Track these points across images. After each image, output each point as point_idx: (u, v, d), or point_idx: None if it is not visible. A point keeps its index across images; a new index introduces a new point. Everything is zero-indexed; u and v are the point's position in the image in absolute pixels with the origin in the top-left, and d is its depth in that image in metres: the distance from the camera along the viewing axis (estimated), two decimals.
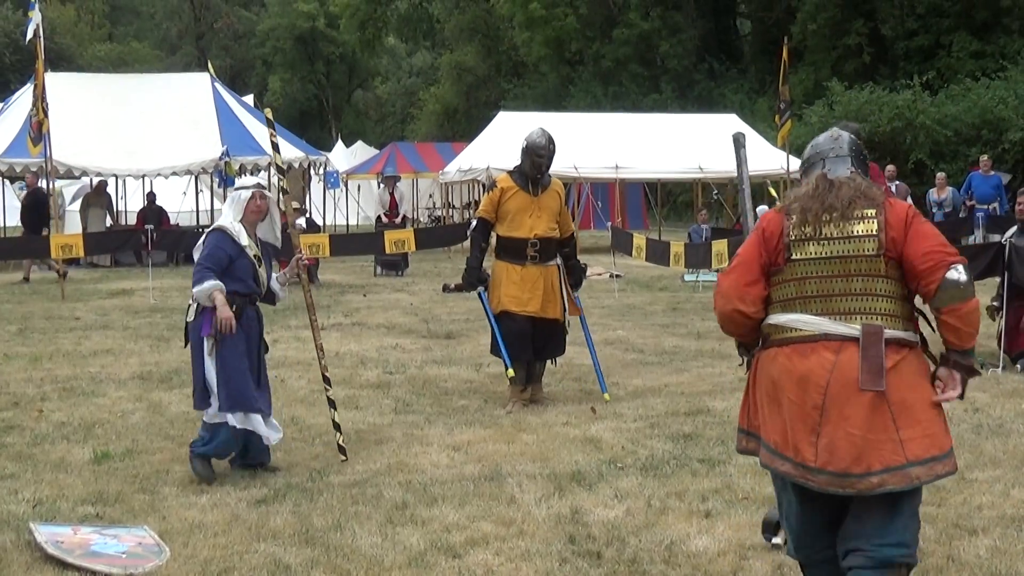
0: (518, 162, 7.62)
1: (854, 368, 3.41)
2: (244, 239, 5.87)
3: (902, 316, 3.51)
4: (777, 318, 3.57)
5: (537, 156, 7.48)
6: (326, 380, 6.31)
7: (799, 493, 3.57)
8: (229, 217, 5.99)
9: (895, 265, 3.48)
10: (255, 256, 5.89)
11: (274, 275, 6.21)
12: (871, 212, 3.49)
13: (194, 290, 5.77)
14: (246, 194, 5.98)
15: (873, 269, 3.47)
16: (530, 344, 7.55)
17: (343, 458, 6.01)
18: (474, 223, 7.81)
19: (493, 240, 7.78)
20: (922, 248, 3.44)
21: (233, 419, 5.75)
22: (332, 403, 6.29)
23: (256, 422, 5.82)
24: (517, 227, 7.51)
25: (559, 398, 7.84)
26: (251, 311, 6.04)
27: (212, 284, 5.71)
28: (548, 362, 7.86)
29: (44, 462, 6.14)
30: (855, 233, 3.48)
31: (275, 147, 6.46)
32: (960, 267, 3.41)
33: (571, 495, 5.42)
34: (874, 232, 3.46)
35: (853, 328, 3.44)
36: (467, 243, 20.72)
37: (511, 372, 7.47)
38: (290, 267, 6.29)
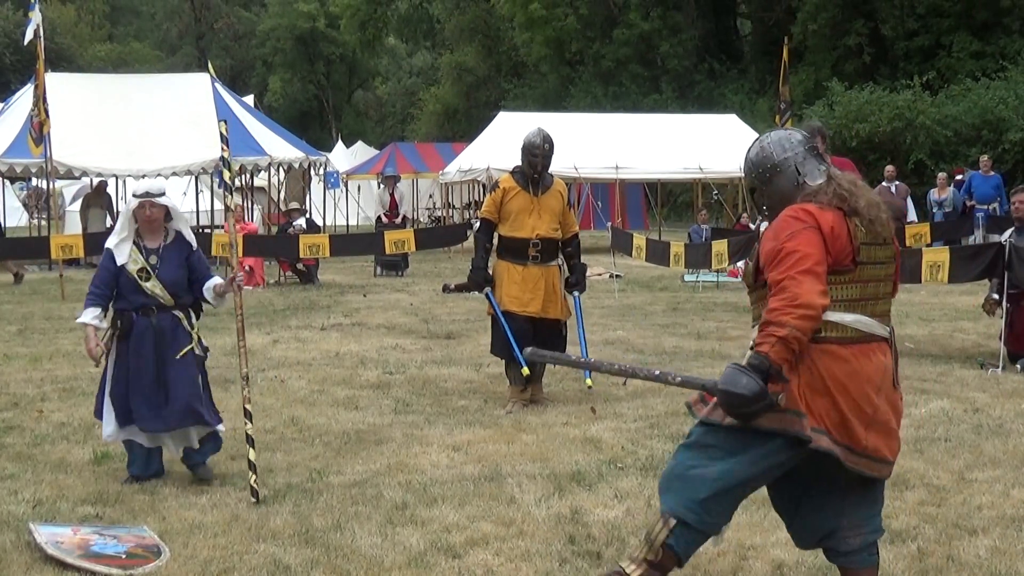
0: (519, 163, 7.64)
1: (891, 368, 3.73)
2: (122, 257, 5.70)
3: None
4: (841, 317, 3.61)
5: (532, 156, 7.49)
6: (247, 415, 5.54)
7: (777, 459, 3.63)
8: (115, 235, 5.82)
9: None
10: (139, 270, 5.70)
11: (212, 282, 5.93)
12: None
13: (79, 317, 5.78)
14: (133, 204, 5.76)
15: (891, 273, 3.79)
16: (531, 344, 7.55)
17: (254, 500, 5.33)
18: (477, 224, 7.82)
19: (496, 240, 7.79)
20: None
21: (108, 432, 5.76)
22: (250, 440, 5.48)
23: (134, 431, 5.75)
24: (519, 227, 7.51)
25: (559, 398, 7.84)
26: (143, 322, 5.73)
27: (85, 319, 5.72)
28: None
29: (44, 462, 6.14)
30: (889, 239, 3.76)
31: (226, 164, 6.05)
32: None
33: (571, 495, 5.42)
34: (890, 237, 3.76)
35: (886, 329, 3.74)
36: (468, 243, 20.76)
37: (526, 371, 7.45)
38: (224, 284, 5.93)
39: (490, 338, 7.89)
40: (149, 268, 5.74)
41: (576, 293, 7.85)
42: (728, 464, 3.66)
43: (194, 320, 5.98)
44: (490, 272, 7.73)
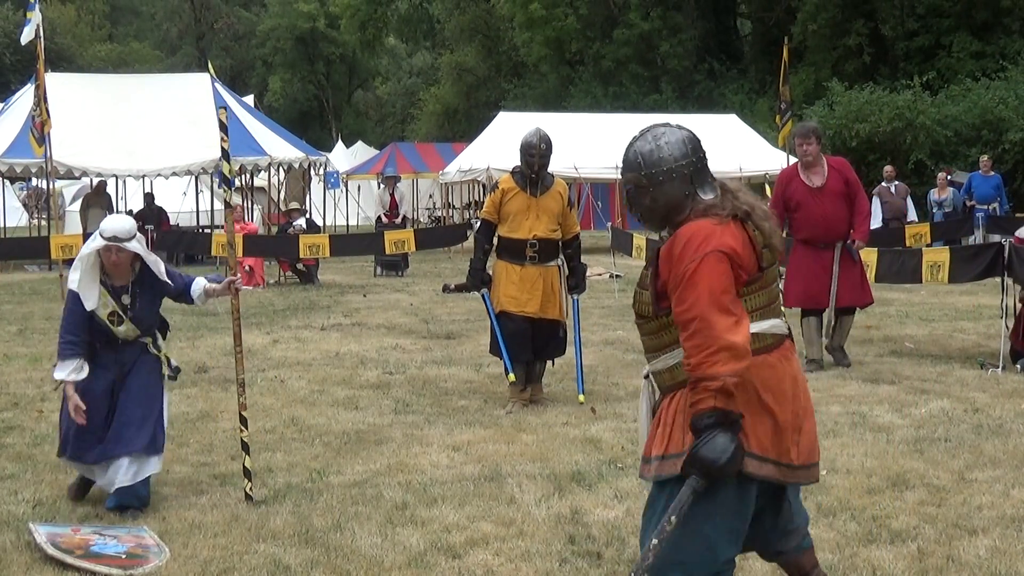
0: (519, 163, 7.64)
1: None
2: (90, 302, 5.20)
3: None
4: (760, 326, 3.41)
5: (529, 156, 7.47)
6: (243, 421, 5.47)
7: (748, 498, 3.43)
8: (76, 271, 5.27)
9: None
10: (110, 314, 5.26)
11: (201, 284, 5.66)
12: None
13: (54, 372, 5.28)
14: (98, 244, 5.18)
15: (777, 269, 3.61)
16: (529, 344, 7.55)
17: (251, 500, 5.33)
18: (478, 224, 7.82)
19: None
20: None
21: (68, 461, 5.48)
22: (245, 447, 5.42)
23: (79, 467, 5.44)
24: (517, 228, 7.51)
25: (559, 398, 7.84)
26: (108, 356, 5.37)
27: (63, 375, 5.18)
28: (548, 362, 7.86)
29: (44, 462, 6.14)
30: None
31: (226, 156, 5.80)
32: None
33: (571, 495, 5.42)
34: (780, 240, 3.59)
35: (784, 327, 3.54)
36: (468, 243, 20.72)
37: (512, 377, 7.47)
38: (220, 287, 5.68)
39: (490, 338, 7.88)
40: (120, 312, 5.29)
41: (576, 295, 7.84)
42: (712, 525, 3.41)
43: (161, 342, 5.65)
44: (489, 273, 7.73)
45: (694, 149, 3.47)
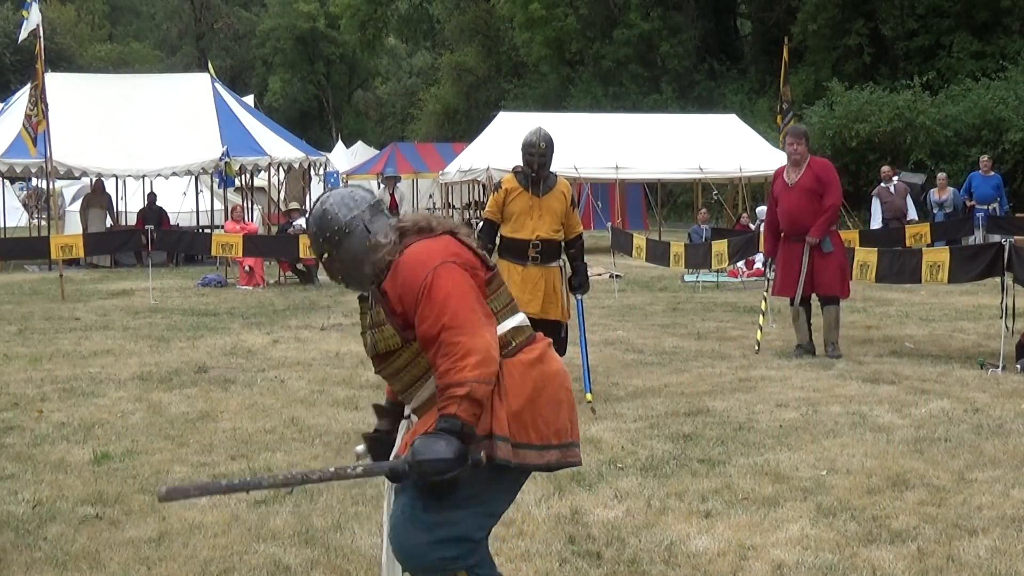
0: (521, 163, 7.63)
1: None
2: None
3: None
4: (511, 323, 3.45)
5: (529, 155, 7.46)
6: None
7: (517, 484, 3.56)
8: None
9: None
10: None
11: None
12: None
13: None
14: None
15: None
16: None
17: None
18: (480, 224, 7.80)
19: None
20: None
21: None
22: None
23: None
24: (519, 228, 7.49)
25: None
26: None
27: None
28: None
29: (44, 462, 6.14)
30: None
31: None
32: None
33: (571, 495, 5.42)
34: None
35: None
36: None
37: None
38: None
39: None
40: None
41: (579, 295, 7.81)
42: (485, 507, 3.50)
43: None
44: None
45: (360, 200, 3.45)
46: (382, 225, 3.40)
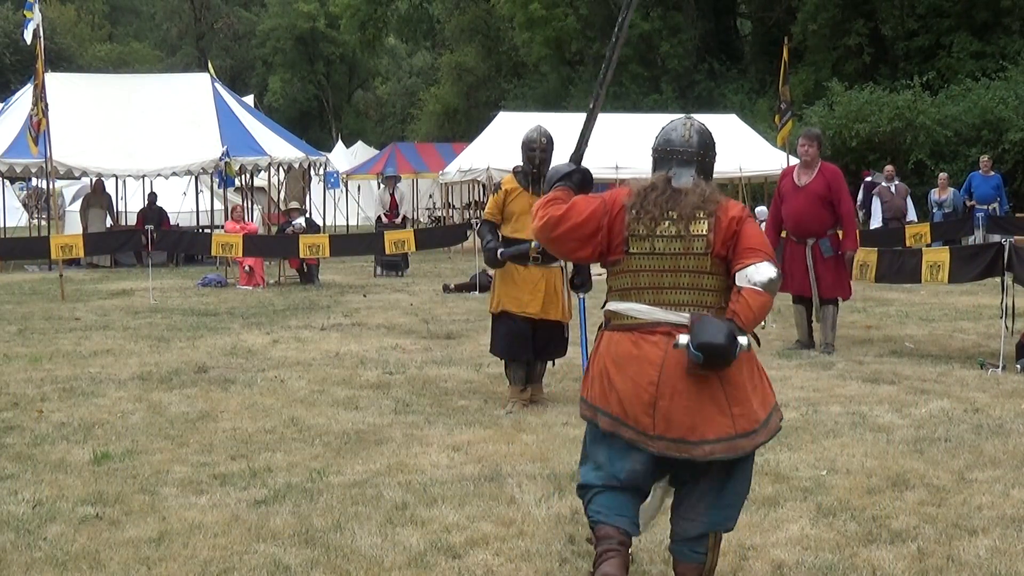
0: (520, 163, 7.61)
1: (683, 353, 3.75)
2: None
3: (727, 306, 3.85)
4: (616, 306, 3.90)
5: (530, 151, 7.46)
6: None
7: (630, 450, 3.84)
8: None
9: (721, 262, 3.84)
10: None
11: None
12: (704, 214, 3.84)
13: None
14: None
15: (701, 266, 3.84)
16: (529, 345, 7.54)
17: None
18: (479, 225, 7.76)
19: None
20: (742, 246, 3.83)
21: None
22: None
23: None
24: (521, 228, 7.41)
25: (559, 398, 7.84)
26: None
27: None
28: (548, 363, 7.85)
29: (44, 462, 6.14)
30: (687, 233, 3.83)
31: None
32: (767, 264, 3.80)
33: (571, 495, 5.41)
34: (704, 232, 3.82)
35: (683, 316, 3.80)
36: (468, 243, 20.58)
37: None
38: None
39: (490, 338, 7.88)
40: None
41: (582, 294, 7.77)
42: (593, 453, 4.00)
43: None
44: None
45: (670, 139, 4.07)
46: (682, 177, 3.99)
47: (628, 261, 3.86)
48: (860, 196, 20.17)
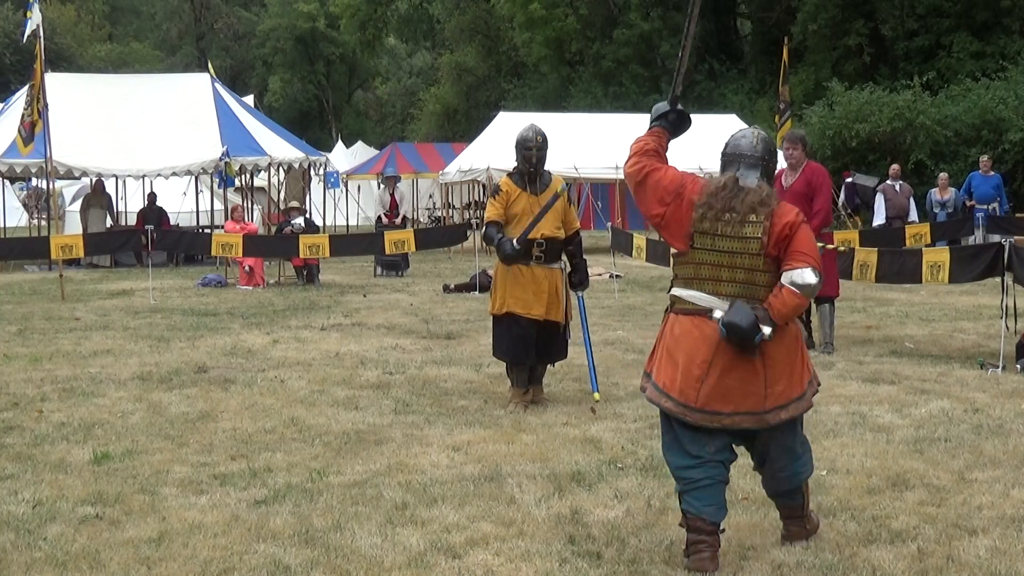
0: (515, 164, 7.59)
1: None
2: None
3: None
4: (680, 292, 4.48)
5: (526, 150, 7.44)
6: None
7: (679, 426, 4.44)
8: None
9: (773, 261, 4.35)
10: None
11: None
12: (761, 217, 4.33)
13: None
14: None
15: (755, 264, 4.36)
16: (533, 347, 7.50)
17: None
18: (484, 228, 7.64)
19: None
20: (792, 249, 4.34)
21: None
22: None
23: None
24: (522, 228, 7.42)
25: (559, 398, 7.84)
26: None
27: None
28: (535, 360, 7.74)
29: (44, 462, 6.14)
30: (744, 235, 4.34)
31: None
32: (810, 271, 4.29)
33: (571, 495, 5.42)
34: (758, 235, 4.33)
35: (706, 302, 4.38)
36: (468, 243, 20.54)
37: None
38: None
39: (491, 338, 7.85)
40: None
41: (579, 292, 7.80)
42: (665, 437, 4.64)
43: None
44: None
45: (739, 144, 4.60)
46: (748, 178, 4.50)
47: (692, 254, 4.42)
48: (842, 197, 20.21)
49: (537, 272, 7.43)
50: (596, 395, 7.65)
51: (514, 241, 7.40)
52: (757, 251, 4.32)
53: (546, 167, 7.65)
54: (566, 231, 7.60)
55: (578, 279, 7.72)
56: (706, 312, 4.35)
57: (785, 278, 4.29)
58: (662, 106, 4.76)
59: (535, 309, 7.40)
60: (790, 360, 4.42)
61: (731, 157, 4.52)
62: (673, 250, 4.60)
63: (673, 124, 4.73)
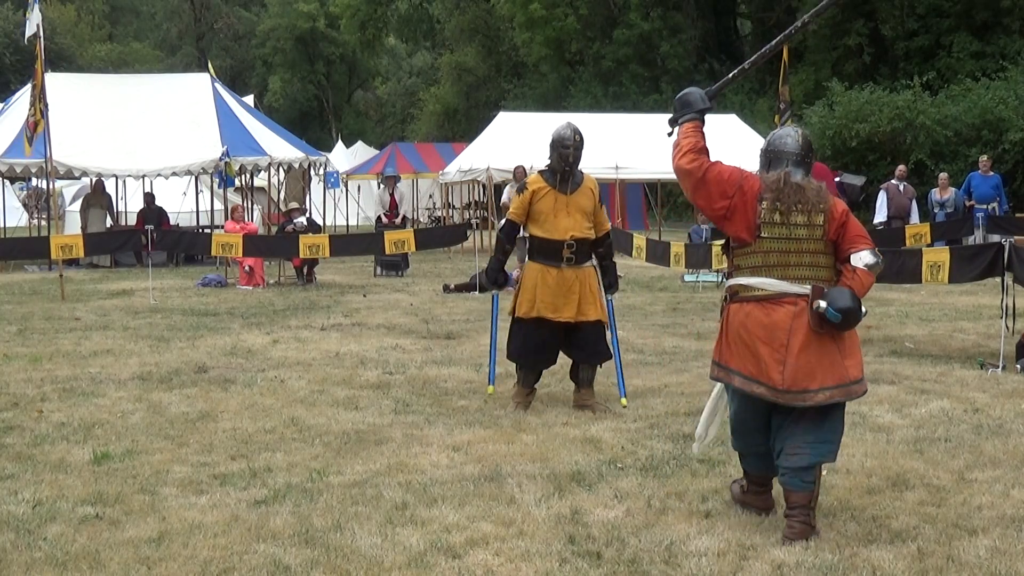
0: (548, 161, 7.43)
1: (807, 316, 4.69)
2: None
3: (835, 279, 4.83)
4: (747, 280, 4.80)
5: (563, 148, 7.27)
6: None
7: (750, 404, 4.84)
8: None
9: (831, 245, 4.81)
10: None
11: None
12: (823, 207, 4.79)
13: None
14: None
15: (819, 248, 4.79)
16: (556, 351, 7.39)
17: None
18: (502, 223, 7.63)
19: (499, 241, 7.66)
20: (851, 234, 4.82)
21: None
22: None
23: None
24: (552, 228, 7.25)
25: (559, 398, 7.83)
26: None
27: None
28: (553, 364, 7.64)
29: (44, 462, 6.14)
30: (812, 223, 4.77)
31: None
32: (871, 252, 4.77)
33: (571, 495, 5.42)
34: (821, 223, 4.78)
35: (805, 288, 4.72)
36: (468, 243, 20.53)
37: (491, 389, 7.57)
38: None
39: (508, 341, 7.59)
40: None
41: (609, 295, 7.61)
42: (731, 410, 5.03)
43: None
44: (506, 274, 7.52)
45: (785, 143, 5.01)
46: (797, 174, 4.93)
47: (759, 244, 4.77)
48: None
49: (567, 274, 7.25)
50: (623, 400, 7.53)
51: (493, 284, 7.70)
52: (820, 237, 4.75)
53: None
54: (596, 232, 7.42)
55: (608, 282, 7.53)
56: (775, 297, 4.70)
57: (856, 260, 4.73)
58: (699, 101, 5.09)
59: (564, 312, 7.24)
60: (853, 339, 4.79)
61: (777, 155, 4.92)
62: (733, 243, 4.88)
63: (704, 119, 5.11)
